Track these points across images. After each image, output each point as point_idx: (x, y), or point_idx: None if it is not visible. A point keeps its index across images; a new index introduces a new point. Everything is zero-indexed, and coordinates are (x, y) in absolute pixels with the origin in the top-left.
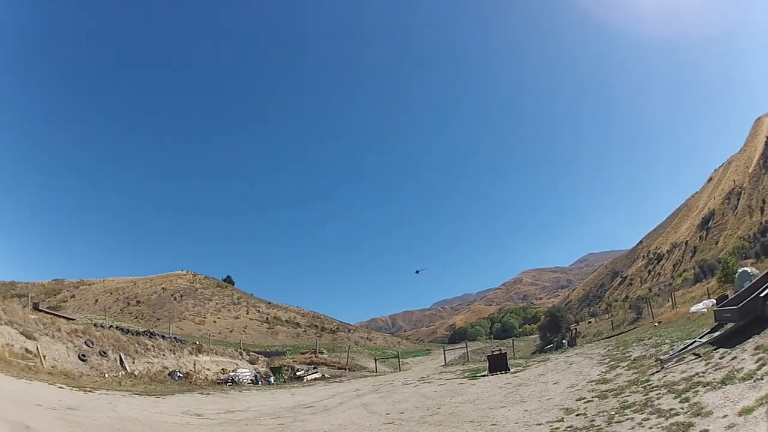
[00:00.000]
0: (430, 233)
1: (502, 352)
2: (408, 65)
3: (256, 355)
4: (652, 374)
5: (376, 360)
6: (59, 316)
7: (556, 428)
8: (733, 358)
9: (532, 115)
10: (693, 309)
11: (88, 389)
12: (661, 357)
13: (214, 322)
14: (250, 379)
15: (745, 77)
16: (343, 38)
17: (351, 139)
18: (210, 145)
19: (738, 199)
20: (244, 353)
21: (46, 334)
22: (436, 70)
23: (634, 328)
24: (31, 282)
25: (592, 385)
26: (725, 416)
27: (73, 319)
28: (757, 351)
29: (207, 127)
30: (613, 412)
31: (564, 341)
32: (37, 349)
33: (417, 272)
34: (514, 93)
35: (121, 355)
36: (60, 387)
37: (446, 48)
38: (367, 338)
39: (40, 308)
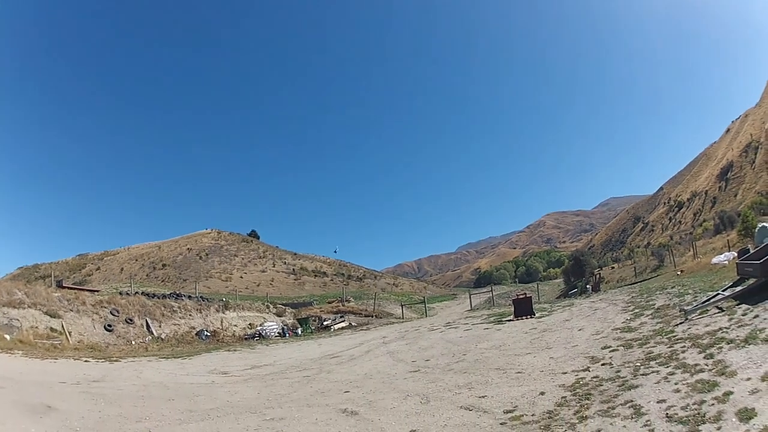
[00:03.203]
0: (454, 176)
1: (528, 296)
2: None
3: (283, 307)
4: (676, 325)
5: (402, 306)
6: (83, 289)
7: (581, 378)
8: (755, 317)
9: (554, 61)
10: (715, 260)
11: (114, 359)
12: (686, 308)
13: (241, 277)
14: (278, 332)
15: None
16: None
17: (370, 92)
18: (231, 108)
19: (755, 154)
20: (271, 306)
21: (71, 310)
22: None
23: (657, 275)
24: (54, 261)
25: (617, 333)
26: (749, 379)
27: (97, 291)
28: None
29: (225, 91)
30: (639, 364)
31: (588, 286)
32: (62, 326)
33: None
34: (537, 37)
35: (148, 320)
36: (86, 361)
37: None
38: (394, 284)
39: (63, 285)
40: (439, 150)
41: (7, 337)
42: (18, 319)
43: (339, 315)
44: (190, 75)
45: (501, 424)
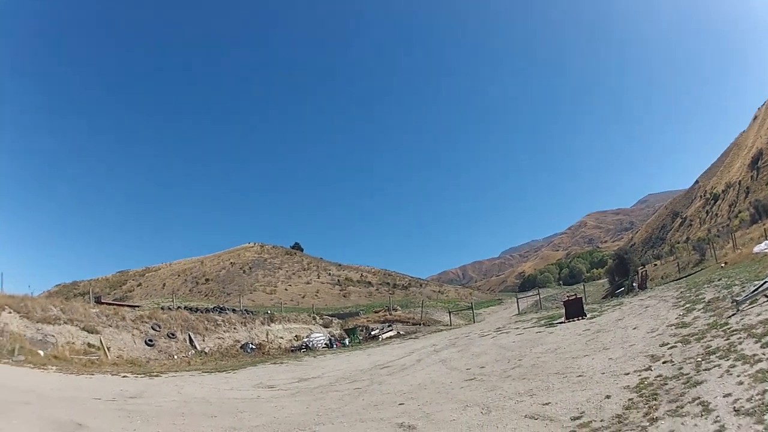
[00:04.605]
0: (493, 182)
1: (578, 297)
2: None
3: (330, 318)
4: (729, 317)
5: (450, 313)
6: (122, 305)
7: (645, 378)
8: None
9: (579, 69)
10: (756, 249)
11: (155, 374)
12: (737, 299)
13: (286, 290)
14: (325, 343)
15: None
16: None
17: (410, 94)
18: (269, 118)
19: None
20: (317, 317)
21: (110, 326)
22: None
23: (700, 269)
24: (94, 279)
25: (672, 329)
26: None
27: (138, 307)
28: None
29: (260, 101)
30: (699, 359)
31: (634, 284)
32: (101, 341)
33: None
34: (563, 36)
35: (191, 334)
36: (124, 376)
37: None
38: (439, 291)
39: (102, 301)
40: (476, 156)
41: (41, 352)
42: (53, 335)
43: (386, 324)
44: (234, 86)
45: None
